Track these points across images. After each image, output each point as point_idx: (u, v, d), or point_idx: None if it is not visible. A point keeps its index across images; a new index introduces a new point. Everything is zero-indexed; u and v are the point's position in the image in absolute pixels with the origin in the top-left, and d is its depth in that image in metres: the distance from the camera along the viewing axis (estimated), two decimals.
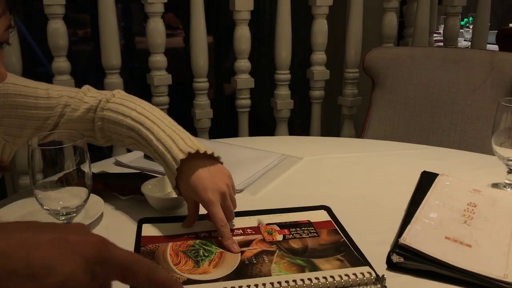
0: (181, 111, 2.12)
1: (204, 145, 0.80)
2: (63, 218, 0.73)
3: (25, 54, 1.70)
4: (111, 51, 1.69)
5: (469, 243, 0.73)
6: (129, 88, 1.78)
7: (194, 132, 1.89)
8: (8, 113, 0.83)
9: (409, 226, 0.76)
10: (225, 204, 0.76)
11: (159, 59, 1.75)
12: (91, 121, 0.87)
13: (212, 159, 0.79)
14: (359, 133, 1.89)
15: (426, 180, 0.95)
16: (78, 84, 1.68)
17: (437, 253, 0.69)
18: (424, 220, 0.79)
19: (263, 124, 2.79)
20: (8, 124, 0.83)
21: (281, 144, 1.30)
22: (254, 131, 2.00)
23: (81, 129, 0.87)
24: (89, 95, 0.89)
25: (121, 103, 0.86)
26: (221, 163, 0.80)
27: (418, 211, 0.81)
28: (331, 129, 2.38)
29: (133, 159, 1.12)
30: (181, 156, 0.76)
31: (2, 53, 0.68)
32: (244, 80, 1.87)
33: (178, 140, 0.78)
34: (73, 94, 0.88)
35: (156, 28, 1.72)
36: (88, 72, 2.62)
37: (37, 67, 2.61)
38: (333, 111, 2.26)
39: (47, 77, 1.68)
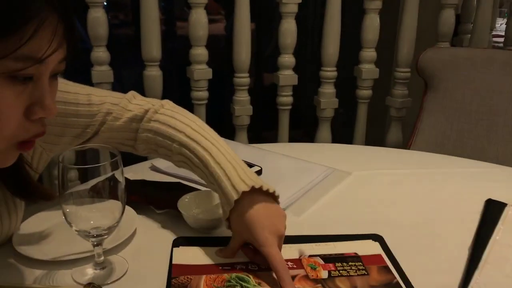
0: (218, 104, 2.03)
1: (255, 177, 0.72)
2: (93, 239, 0.67)
3: None
4: (152, 42, 1.62)
5: None
6: (167, 78, 1.72)
7: (232, 129, 1.82)
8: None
9: (477, 272, 0.67)
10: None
11: (200, 52, 1.67)
12: (134, 131, 0.80)
13: (269, 195, 0.71)
14: (407, 137, 1.78)
15: (492, 211, 0.85)
16: (116, 72, 1.64)
17: None
18: (494, 265, 0.69)
19: (302, 120, 2.69)
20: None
21: (325, 154, 1.22)
22: (292, 127, 1.91)
23: (121, 138, 0.80)
24: (134, 102, 0.81)
25: (172, 115, 0.78)
26: (278, 202, 0.73)
27: (486, 252, 0.72)
28: (375, 131, 2.26)
29: (170, 164, 1.06)
30: (243, 187, 0.68)
31: (55, 85, 0.60)
32: (287, 76, 1.77)
33: (239, 169, 0.71)
34: (116, 101, 0.80)
35: (199, 19, 1.64)
36: (127, 56, 2.56)
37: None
38: (378, 113, 2.14)
39: (88, 52, 1.62)
